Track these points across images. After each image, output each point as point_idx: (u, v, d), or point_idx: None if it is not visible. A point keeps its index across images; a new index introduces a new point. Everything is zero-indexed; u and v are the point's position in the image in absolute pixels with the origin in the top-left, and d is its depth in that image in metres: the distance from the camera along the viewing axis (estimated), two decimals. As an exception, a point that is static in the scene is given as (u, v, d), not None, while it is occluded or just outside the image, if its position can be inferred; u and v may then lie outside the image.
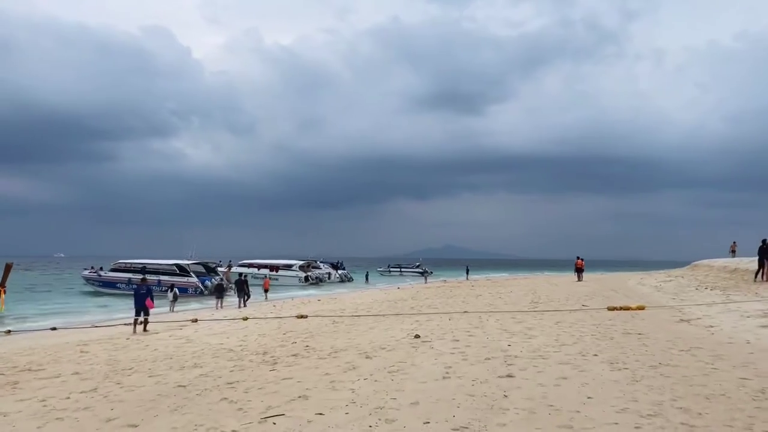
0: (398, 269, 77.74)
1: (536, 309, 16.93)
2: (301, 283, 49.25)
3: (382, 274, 76.04)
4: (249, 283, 28.05)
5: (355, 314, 17.54)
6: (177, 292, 27.29)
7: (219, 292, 27.33)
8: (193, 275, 36.73)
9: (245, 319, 17.55)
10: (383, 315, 16.69)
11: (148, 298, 15.99)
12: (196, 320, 17.80)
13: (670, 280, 27.78)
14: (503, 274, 76.72)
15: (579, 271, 33.86)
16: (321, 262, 58.73)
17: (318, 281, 50.76)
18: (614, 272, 70.54)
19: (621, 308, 15.17)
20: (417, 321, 14.30)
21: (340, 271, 58.05)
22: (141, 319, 15.74)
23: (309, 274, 50.77)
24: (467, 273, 56.82)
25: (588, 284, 31.73)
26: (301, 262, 51.86)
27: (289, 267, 50.80)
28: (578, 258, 34.35)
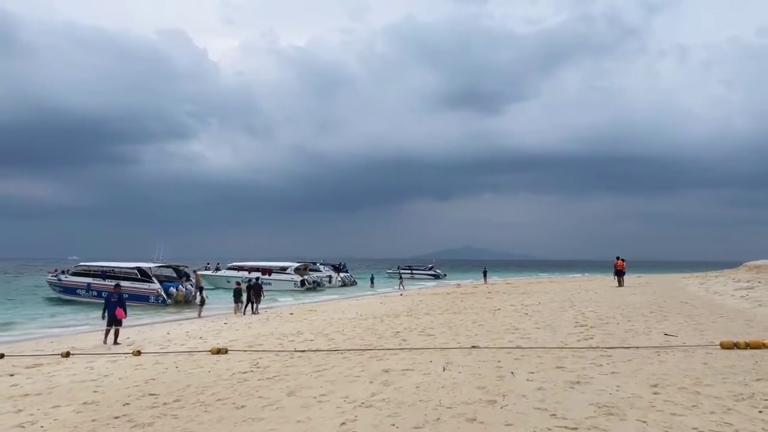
0: (409, 271, 71.35)
1: (591, 344, 10.44)
2: (296, 288, 43.27)
3: (391, 276, 69.83)
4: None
5: (305, 347, 11.30)
6: (206, 296, 25.71)
7: (246, 293, 24.43)
8: (155, 281, 30.92)
9: (137, 353, 11.44)
10: (341, 351, 10.40)
11: (119, 308, 14.68)
12: (67, 354, 11.76)
13: (751, 287, 21.02)
14: (525, 277, 69.90)
15: (619, 273, 27.24)
16: (322, 264, 52.66)
17: (316, 286, 44.73)
18: (651, 273, 63.10)
19: (749, 345, 8.69)
20: (387, 372, 8.00)
21: (342, 274, 51.96)
22: (112, 330, 14.49)
23: (306, 277, 44.71)
24: (485, 276, 50.24)
25: (635, 290, 25.16)
26: (297, 264, 45.83)
27: (283, 270, 44.80)
28: (618, 258, 27.69)
